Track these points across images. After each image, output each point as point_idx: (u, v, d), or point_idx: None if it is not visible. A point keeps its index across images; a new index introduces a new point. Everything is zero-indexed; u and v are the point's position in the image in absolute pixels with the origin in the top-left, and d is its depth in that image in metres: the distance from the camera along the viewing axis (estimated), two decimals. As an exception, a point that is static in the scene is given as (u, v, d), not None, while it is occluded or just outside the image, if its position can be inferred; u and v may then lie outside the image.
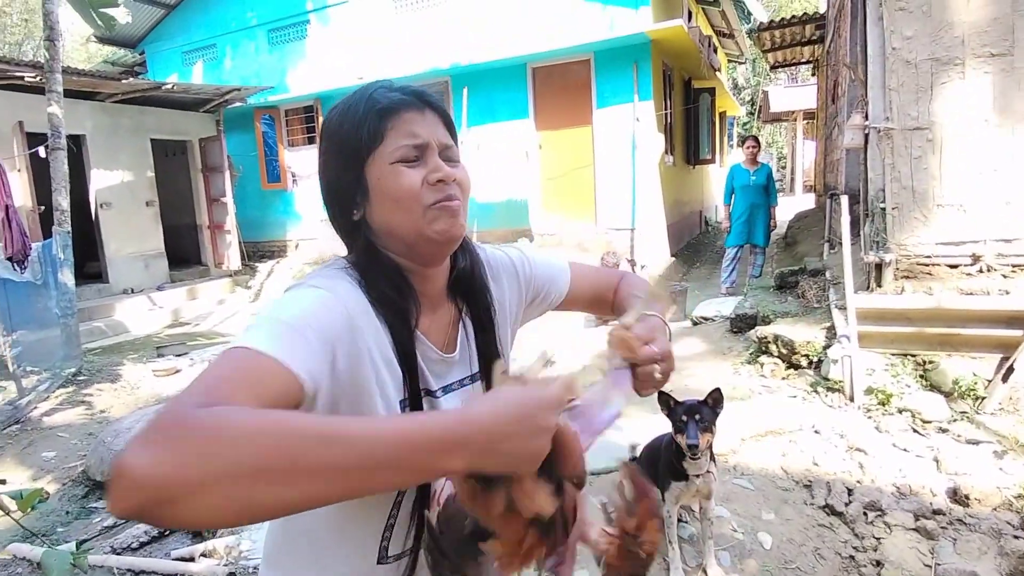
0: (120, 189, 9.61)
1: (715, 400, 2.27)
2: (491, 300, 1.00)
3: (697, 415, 2.23)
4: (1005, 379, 3.39)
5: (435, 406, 0.92)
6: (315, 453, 0.54)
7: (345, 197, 0.89)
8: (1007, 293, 3.65)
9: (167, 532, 3.45)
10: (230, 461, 0.52)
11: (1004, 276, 3.79)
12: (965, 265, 3.92)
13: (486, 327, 0.98)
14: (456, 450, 0.58)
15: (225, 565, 2.98)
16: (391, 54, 10.59)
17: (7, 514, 1.43)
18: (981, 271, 3.85)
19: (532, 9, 9.56)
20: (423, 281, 0.91)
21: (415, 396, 0.87)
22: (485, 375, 0.97)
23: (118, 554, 3.20)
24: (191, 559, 3.10)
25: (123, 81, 8.96)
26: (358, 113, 0.86)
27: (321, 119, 11.57)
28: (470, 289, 0.97)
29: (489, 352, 0.98)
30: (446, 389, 0.94)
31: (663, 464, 2.43)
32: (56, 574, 1.32)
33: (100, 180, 9.31)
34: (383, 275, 0.87)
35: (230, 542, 3.15)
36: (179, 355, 6.95)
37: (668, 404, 2.31)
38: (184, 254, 11.23)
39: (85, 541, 3.33)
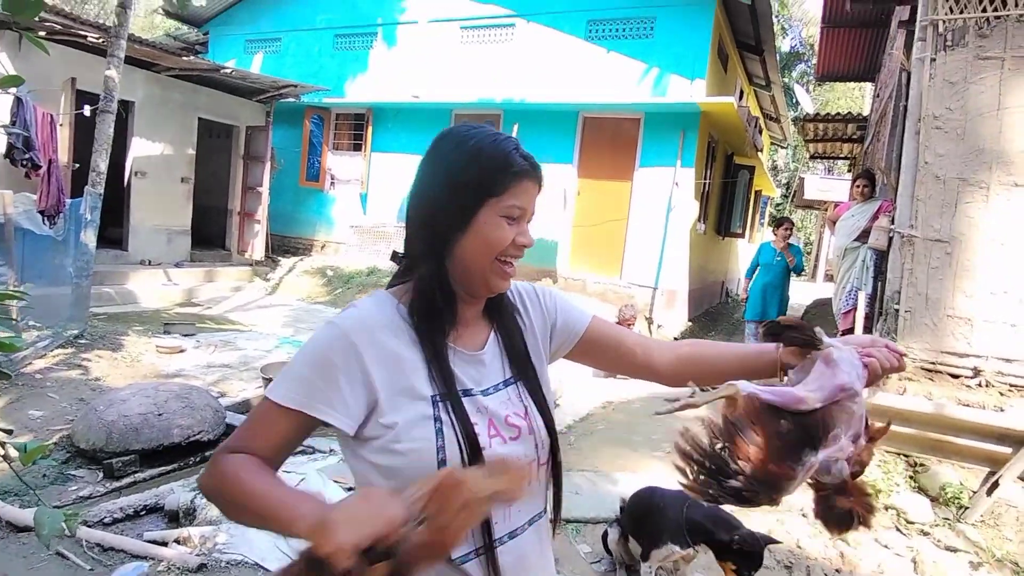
0: (158, 161, 9.63)
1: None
2: (516, 313, 1.13)
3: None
4: (989, 493, 3.42)
5: (478, 404, 1.01)
6: (245, 506, 0.88)
7: (446, 222, 0.99)
8: (1002, 410, 3.70)
9: (143, 512, 3.36)
10: (221, 496, 0.92)
11: (1001, 393, 3.85)
12: (966, 377, 3.99)
13: (514, 337, 1.10)
14: (298, 524, 0.81)
15: (197, 555, 2.87)
16: (450, 79, 10.90)
17: (8, 464, 1.43)
18: (980, 385, 3.91)
19: (592, 62, 9.88)
20: (464, 304, 1.05)
21: (452, 394, 0.97)
22: (519, 378, 1.08)
23: (89, 526, 3.11)
24: (164, 543, 3.00)
25: (184, 58, 9.04)
26: (491, 161, 0.98)
27: (370, 128, 11.86)
28: (499, 308, 1.10)
29: (518, 359, 1.09)
30: (485, 392, 1.03)
31: (670, 523, 2.36)
32: (47, 531, 1.31)
33: (140, 149, 9.31)
34: (440, 289, 1.00)
35: (207, 532, 3.03)
36: (186, 335, 6.82)
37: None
38: (209, 236, 11.25)
39: (60, 507, 3.29)
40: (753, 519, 3.36)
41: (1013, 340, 3.89)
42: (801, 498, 3.55)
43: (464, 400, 0.98)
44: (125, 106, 8.90)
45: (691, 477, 0.88)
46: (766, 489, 0.85)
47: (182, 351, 6.23)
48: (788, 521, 3.37)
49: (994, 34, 3.88)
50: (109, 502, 3.39)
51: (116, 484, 3.71)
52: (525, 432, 1.03)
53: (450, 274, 1.01)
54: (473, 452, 0.94)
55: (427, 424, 0.94)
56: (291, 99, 11.17)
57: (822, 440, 0.88)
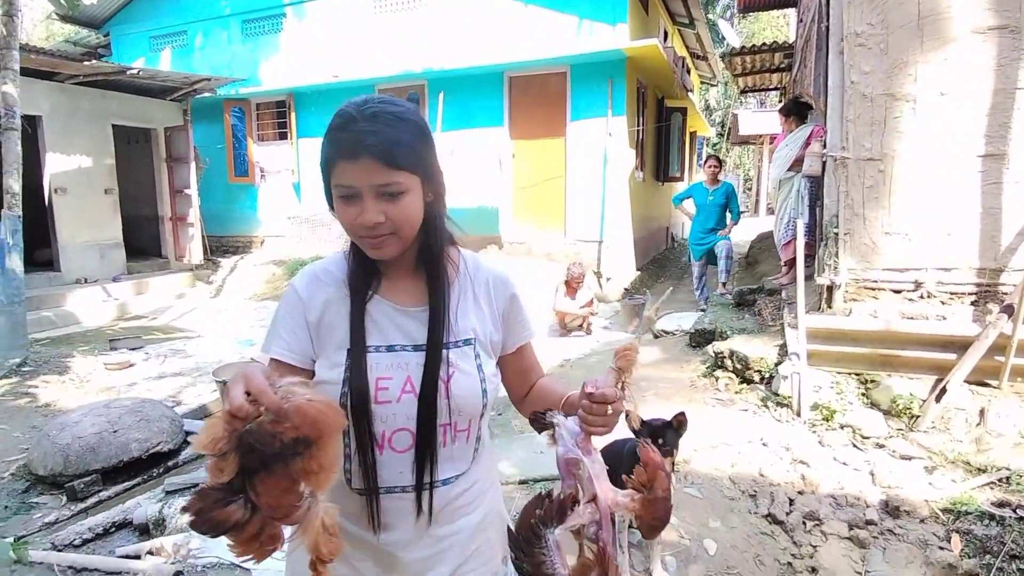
0: (77, 175, 9.29)
1: (679, 423, 2.33)
2: (445, 276, 1.13)
3: (660, 439, 2.29)
4: (938, 399, 3.56)
5: (400, 360, 1.08)
6: None
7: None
8: (944, 319, 3.84)
9: (113, 529, 3.37)
10: None
11: (942, 303, 3.99)
12: (908, 291, 4.10)
13: (442, 308, 1.11)
14: None
15: (172, 563, 2.90)
16: (367, 54, 10.58)
17: None
18: (922, 297, 4.03)
19: (511, 19, 9.67)
20: (390, 263, 1.12)
21: (357, 346, 1.07)
22: (445, 346, 1.09)
23: (59, 550, 3.10)
24: (137, 557, 3.02)
25: (85, 63, 8.67)
26: (326, 145, 1.04)
27: (293, 115, 11.53)
28: (433, 267, 1.13)
29: (436, 324, 1.09)
30: (417, 348, 1.09)
31: (625, 468, 2.47)
32: None
33: (56, 164, 9.00)
34: (355, 252, 1.12)
35: (178, 540, 3.06)
36: (133, 348, 6.83)
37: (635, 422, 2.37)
38: (143, 246, 10.97)
39: (23, 536, 3.24)
40: (714, 454, 3.46)
41: (950, 249, 3.99)
42: (761, 426, 3.68)
43: (381, 354, 1.07)
44: (32, 121, 8.59)
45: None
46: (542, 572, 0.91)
47: (131, 365, 6.23)
48: (748, 452, 3.47)
49: (907, -57, 3.90)
50: (77, 524, 3.40)
51: (81, 505, 3.72)
52: (442, 394, 1.08)
53: None
54: (363, 404, 1.03)
55: (338, 369, 1.06)
56: (207, 94, 10.77)
57: (554, 518, 0.94)
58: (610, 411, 0.99)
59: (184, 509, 0.80)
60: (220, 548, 2.96)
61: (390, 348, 1.08)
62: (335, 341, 1.08)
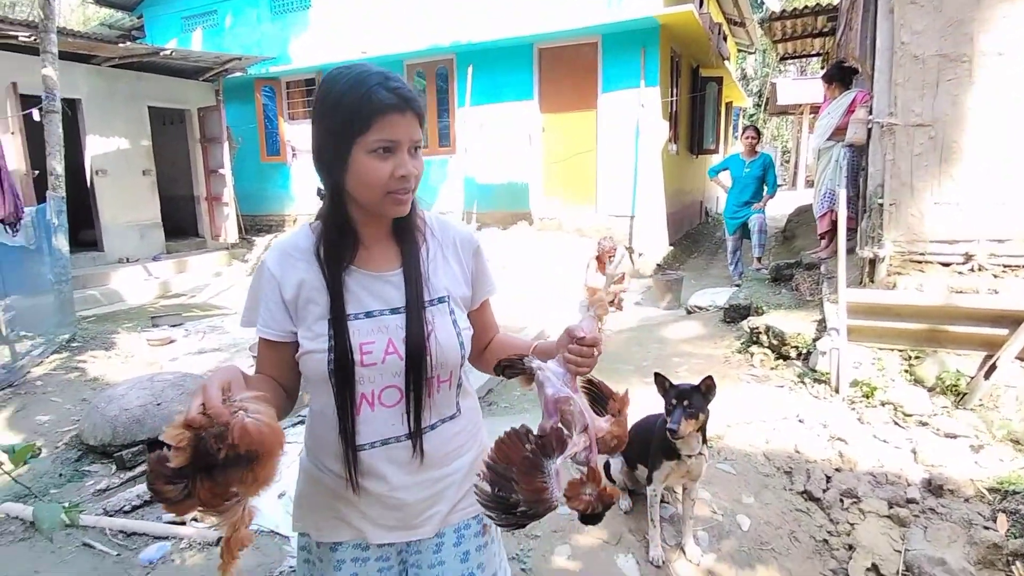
0: (116, 156, 9.50)
1: (707, 387, 2.30)
2: (418, 243, 1.20)
3: (686, 401, 2.26)
4: (987, 376, 3.43)
5: (380, 323, 1.15)
6: None
7: (329, 162, 1.11)
8: (996, 292, 3.67)
9: None
10: None
11: (995, 276, 3.81)
12: (957, 264, 3.92)
13: (416, 269, 1.18)
14: None
15: (215, 530, 2.97)
16: (396, 29, 10.48)
17: (8, 473, 1.49)
18: (972, 270, 3.86)
19: (540, -12, 9.46)
20: (369, 224, 1.17)
21: (338, 318, 1.12)
22: (423, 306, 1.17)
23: (110, 516, 3.23)
24: (182, 523, 3.12)
25: (120, 45, 8.79)
26: (353, 100, 1.05)
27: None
28: (405, 232, 1.20)
29: (418, 289, 1.16)
30: (394, 311, 1.15)
31: (657, 442, 2.46)
32: (48, 526, 1.38)
33: (96, 146, 9.21)
34: (334, 224, 1.15)
35: None
36: (174, 326, 7.00)
37: (664, 385, 2.35)
38: (181, 225, 11.19)
39: (76, 503, 3.36)
40: (748, 430, 3.40)
41: (1004, 219, 3.80)
42: (797, 403, 3.61)
43: (361, 321, 1.13)
44: (72, 104, 8.76)
45: (496, 519, 0.99)
46: (538, 504, 0.97)
47: (172, 342, 6.41)
48: (783, 428, 3.40)
49: None
50: (126, 491, 3.51)
51: (130, 474, 3.84)
52: (424, 351, 1.15)
53: (349, 205, 1.13)
54: (346, 370, 1.10)
55: (321, 339, 1.12)
56: (238, 73, 10.83)
57: (556, 448, 1.01)
58: (596, 353, 1.08)
59: (147, 461, 0.97)
60: (260, 516, 3.04)
61: (368, 314, 1.14)
62: (315, 314, 1.14)
